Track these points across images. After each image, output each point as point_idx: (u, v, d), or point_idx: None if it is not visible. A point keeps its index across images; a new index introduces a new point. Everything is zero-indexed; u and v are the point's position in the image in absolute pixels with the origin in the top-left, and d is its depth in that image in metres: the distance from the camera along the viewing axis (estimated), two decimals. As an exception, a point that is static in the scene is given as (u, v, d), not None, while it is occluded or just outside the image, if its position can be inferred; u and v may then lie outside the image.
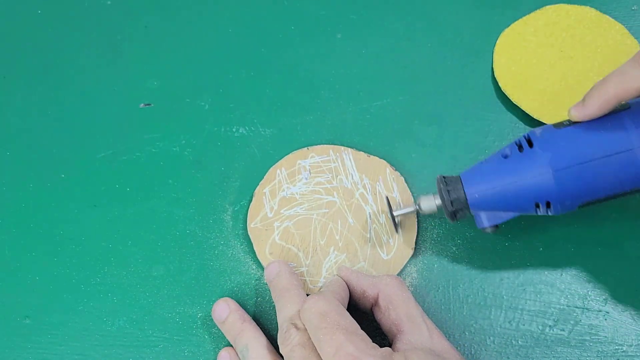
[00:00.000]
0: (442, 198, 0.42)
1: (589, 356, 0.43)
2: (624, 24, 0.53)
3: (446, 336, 0.43)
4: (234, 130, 0.51)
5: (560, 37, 0.53)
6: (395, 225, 0.44)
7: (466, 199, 0.41)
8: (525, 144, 0.40)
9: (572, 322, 0.44)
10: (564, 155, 0.39)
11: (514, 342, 0.43)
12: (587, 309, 0.44)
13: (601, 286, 0.44)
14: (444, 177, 0.42)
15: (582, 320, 0.44)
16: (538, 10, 0.54)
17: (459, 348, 0.43)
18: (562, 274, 0.45)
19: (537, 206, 0.40)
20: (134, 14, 0.56)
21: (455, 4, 0.55)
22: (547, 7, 0.54)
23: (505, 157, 0.41)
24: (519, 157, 0.40)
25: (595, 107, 0.39)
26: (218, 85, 0.52)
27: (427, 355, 0.36)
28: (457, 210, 0.42)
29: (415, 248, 0.46)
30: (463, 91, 0.52)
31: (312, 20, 0.55)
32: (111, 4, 0.56)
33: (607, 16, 0.53)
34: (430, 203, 0.43)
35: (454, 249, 0.46)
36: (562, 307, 0.44)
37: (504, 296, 0.45)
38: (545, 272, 0.45)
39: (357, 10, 0.55)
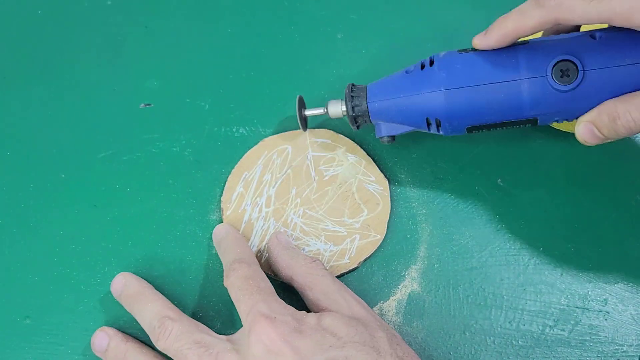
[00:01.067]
0: (346, 103, 0.44)
1: (589, 356, 0.43)
2: (624, 24, 0.53)
3: (446, 336, 0.43)
4: (234, 130, 0.51)
5: (560, 37, 0.53)
6: (304, 124, 0.47)
7: (367, 106, 0.44)
8: (427, 63, 0.43)
9: (572, 322, 0.44)
10: (458, 76, 0.41)
11: (514, 342, 0.43)
12: (587, 309, 0.44)
13: (601, 286, 0.44)
14: (353, 84, 0.45)
15: (582, 321, 0.44)
16: (538, 10, 0.54)
17: (458, 348, 0.43)
18: (562, 274, 0.45)
19: (429, 123, 0.43)
20: (134, 14, 0.56)
21: (455, 4, 0.55)
22: None
23: (408, 72, 0.43)
24: (419, 74, 0.43)
25: (494, 39, 0.41)
26: (218, 85, 0.52)
27: (342, 317, 0.38)
28: (357, 115, 0.44)
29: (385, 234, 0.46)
30: (463, 91, 0.52)
31: (312, 20, 0.55)
32: (111, 4, 0.56)
33: (607, 16, 0.53)
34: (337, 108, 0.45)
35: (455, 249, 0.46)
36: (562, 307, 0.44)
37: (504, 296, 0.45)
38: (545, 272, 0.45)
39: (357, 10, 0.55)
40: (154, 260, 0.46)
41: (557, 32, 0.44)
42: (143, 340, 0.43)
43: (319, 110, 0.46)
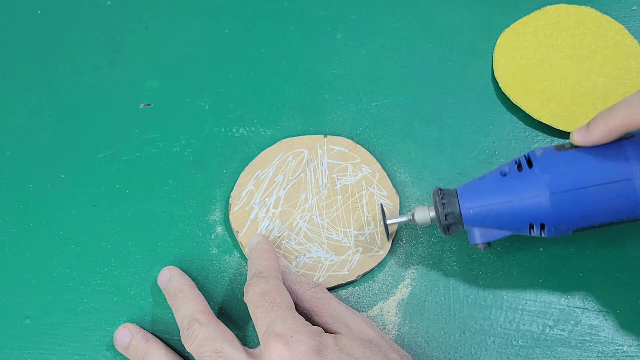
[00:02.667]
0: (436, 210, 0.41)
1: (589, 356, 0.43)
2: (624, 24, 0.53)
3: (446, 336, 0.43)
4: (234, 130, 0.51)
5: (560, 37, 0.53)
6: (387, 234, 0.44)
7: (460, 213, 0.40)
8: (524, 164, 0.40)
9: (572, 322, 0.44)
10: (563, 178, 0.39)
11: (514, 342, 0.43)
12: (587, 309, 0.44)
13: (601, 286, 0.44)
14: (440, 189, 0.42)
15: (582, 321, 0.44)
16: (538, 10, 0.54)
17: (459, 348, 0.43)
18: (562, 274, 0.45)
19: (531, 227, 0.40)
20: (134, 14, 0.56)
21: (455, 4, 0.55)
22: (547, 7, 0.54)
23: (504, 175, 0.40)
24: (517, 177, 0.40)
25: (599, 135, 0.38)
26: (218, 85, 0.52)
27: (357, 339, 0.37)
28: (450, 224, 0.41)
29: (390, 247, 0.46)
30: (463, 91, 0.52)
31: (312, 20, 0.55)
32: (111, 4, 0.56)
33: (607, 16, 0.53)
34: (425, 214, 0.42)
35: (455, 249, 0.46)
36: (562, 307, 0.44)
37: (504, 296, 0.45)
38: (545, 273, 0.45)
39: (357, 10, 0.55)
40: (154, 260, 0.46)
41: None
42: (164, 338, 0.43)
43: (404, 219, 0.43)
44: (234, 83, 0.52)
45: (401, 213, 0.47)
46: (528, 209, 0.39)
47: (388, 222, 0.43)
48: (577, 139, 0.39)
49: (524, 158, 0.40)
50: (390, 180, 0.48)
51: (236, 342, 0.39)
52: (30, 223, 0.48)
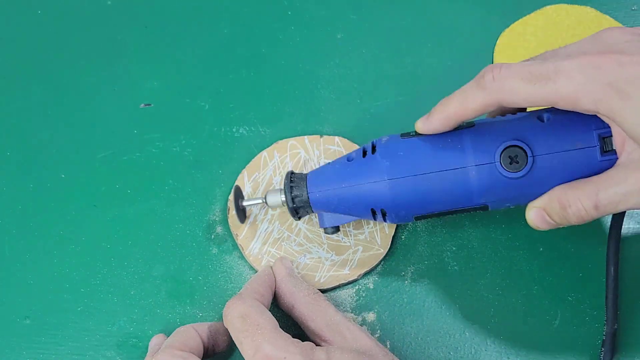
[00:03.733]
0: (285, 194, 0.42)
1: (589, 356, 0.43)
2: (624, 24, 0.53)
3: (446, 336, 0.43)
4: (234, 130, 0.51)
5: (560, 37, 0.53)
6: (242, 215, 0.45)
7: (308, 197, 0.41)
8: (369, 150, 0.41)
9: (572, 322, 0.44)
10: (401, 165, 0.39)
11: (514, 342, 0.43)
12: (587, 308, 0.44)
13: (601, 286, 0.44)
14: (292, 172, 0.43)
15: (582, 321, 0.44)
16: (538, 10, 0.54)
17: (458, 348, 0.43)
18: (562, 274, 0.45)
19: (374, 213, 0.41)
20: (134, 14, 0.56)
21: (455, 4, 0.55)
22: (547, 7, 0.54)
23: (350, 160, 0.41)
24: (361, 162, 0.40)
25: (437, 123, 0.39)
26: (218, 85, 0.52)
27: (350, 352, 0.37)
28: (298, 207, 0.42)
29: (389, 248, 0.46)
30: (463, 91, 0.52)
31: (312, 20, 0.55)
32: (111, 4, 0.56)
33: (607, 16, 0.53)
34: (276, 198, 0.43)
35: (454, 249, 0.46)
36: (562, 307, 0.44)
37: (504, 296, 0.44)
38: (545, 272, 0.45)
39: (357, 10, 0.55)
40: (154, 260, 0.46)
41: (503, 113, 0.42)
42: None
43: (257, 201, 0.44)
44: (234, 83, 0.52)
45: None
46: (369, 193, 0.40)
47: (244, 203, 0.44)
48: (419, 126, 0.40)
49: (370, 145, 0.41)
50: None
51: None
52: (30, 223, 0.48)
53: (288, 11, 0.55)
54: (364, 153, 0.41)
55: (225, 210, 0.47)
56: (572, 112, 0.37)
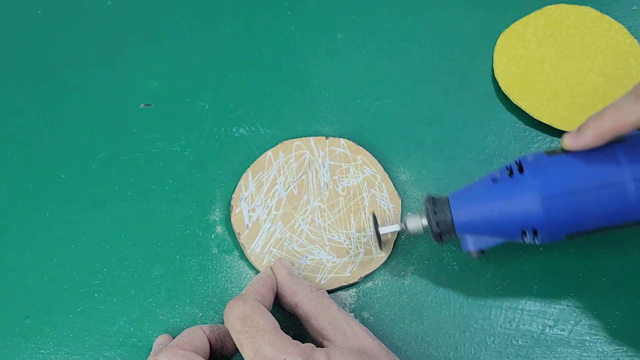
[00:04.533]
0: (428, 219, 0.41)
1: (589, 356, 0.43)
2: (624, 24, 0.53)
3: (446, 336, 0.43)
4: (234, 130, 0.51)
5: (560, 37, 0.53)
6: (380, 242, 0.44)
7: (452, 221, 0.40)
8: (515, 169, 0.40)
9: (572, 322, 0.44)
10: (554, 183, 0.38)
11: (514, 342, 0.43)
12: (587, 309, 0.44)
13: (601, 286, 0.44)
14: (432, 197, 0.41)
15: (582, 321, 0.44)
16: (538, 10, 0.54)
17: (458, 348, 0.43)
18: (562, 274, 0.45)
19: (524, 233, 0.40)
20: (134, 14, 0.56)
21: (455, 4, 0.55)
22: (547, 7, 0.54)
23: (495, 180, 0.40)
24: (508, 182, 0.39)
25: (589, 139, 0.38)
26: (218, 85, 0.52)
27: (351, 353, 0.37)
28: (442, 232, 0.41)
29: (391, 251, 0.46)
30: (463, 91, 0.52)
31: (312, 20, 0.55)
32: (111, 4, 0.56)
33: (607, 16, 0.53)
34: (417, 223, 0.42)
35: (454, 248, 0.46)
36: (562, 307, 0.44)
37: (504, 296, 0.44)
38: (546, 272, 0.45)
39: (357, 10, 0.55)
40: (154, 260, 0.46)
41: None
42: None
43: (396, 227, 0.43)
44: (234, 83, 0.52)
45: (402, 214, 0.47)
46: (520, 214, 0.39)
47: (381, 230, 0.43)
48: (568, 143, 0.39)
49: (515, 164, 0.40)
50: (391, 181, 0.48)
51: None
52: (30, 223, 0.48)
53: (288, 11, 0.55)
54: (510, 172, 0.40)
55: (225, 210, 0.47)
56: None
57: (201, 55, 0.54)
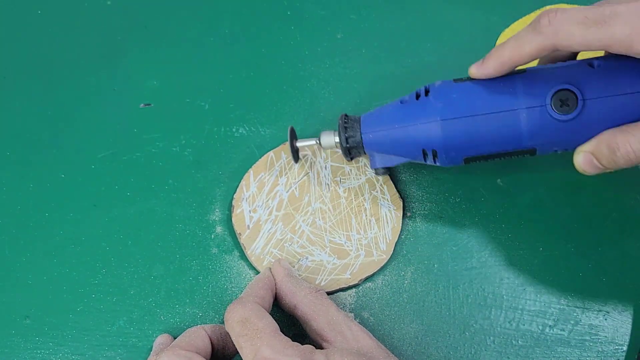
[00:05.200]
0: (339, 134, 0.43)
1: (589, 356, 0.43)
2: (624, 24, 0.53)
3: (446, 336, 0.43)
4: (234, 130, 0.51)
5: (560, 37, 0.52)
6: (296, 155, 0.46)
7: (361, 137, 0.42)
8: (422, 93, 0.42)
9: (572, 322, 0.44)
10: (454, 106, 0.40)
11: (514, 342, 0.43)
12: (587, 308, 0.44)
13: (601, 286, 0.44)
14: (345, 115, 0.44)
15: (582, 321, 0.44)
16: (538, 11, 0.54)
17: (458, 348, 0.43)
18: (562, 274, 0.45)
19: (425, 154, 0.42)
20: (134, 14, 0.56)
21: (455, 4, 0.55)
22: (547, 7, 0.54)
23: (403, 102, 0.42)
24: (414, 104, 0.42)
25: (491, 67, 0.40)
26: (218, 85, 0.52)
27: (350, 354, 0.37)
28: (351, 147, 0.43)
29: (392, 253, 0.46)
30: (463, 91, 0.52)
31: (312, 20, 0.55)
32: (111, 4, 0.56)
33: (607, 16, 0.53)
34: (330, 139, 0.44)
35: (454, 249, 0.46)
36: (562, 307, 0.44)
37: (504, 296, 0.45)
38: (545, 272, 0.45)
39: (357, 10, 0.55)
40: (154, 260, 0.46)
41: (554, 60, 0.43)
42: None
43: (311, 142, 0.45)
44: (234, 83, 0.52)
45: (404, 216, 0.47)
46: (421, 134, 0.41)
47: (297, 144, 0.45)
48: (473, 71, 0.40)
49: (423, 88, 0.42)
50: (404, 200, 0.47)
51: None
52: (30, 223, 0.48)
53: (288, 11, 0.55)
54: (417, 96, 0.42)
55: (225, 210, 0.47)
56: (624, 58, 0.37)
57: (201, 55, 0.54)
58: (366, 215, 0.46)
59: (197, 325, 0.41)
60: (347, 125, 0.43)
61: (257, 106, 0.51)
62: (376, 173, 0.44)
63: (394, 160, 0.43)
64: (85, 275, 0.46)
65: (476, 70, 0.40)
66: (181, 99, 0.52)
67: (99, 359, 0.43)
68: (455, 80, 0.42)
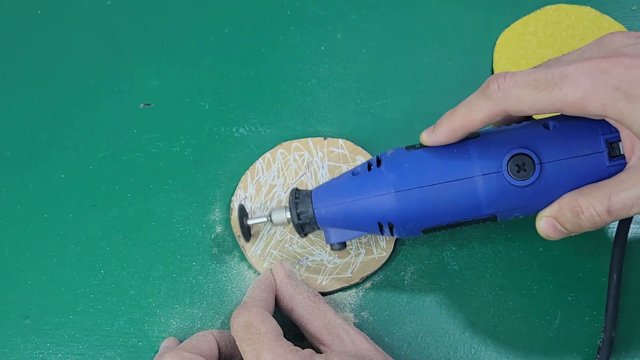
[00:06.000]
0: (290, 210, 0.41)
1: (589, 356, 0.43)
2: (624, 24, 0.53)
3: (446, 336, 0.43)
4: (234, 130, 0.51)
5: (560, 37, 0.53)
6: (247, 234, 0.44)
7: (314, 213, 0.41)
8: (374, 163, 0.40)
9: (572, 322, 0.44)
10: (407, 177, 0.39)
11: (514, 342, 0.43)
12: (587, 308, 0.44)
13: (601, 286, 0.44)
14: (296, 189, 0.42)
15: (582, 321, 0.44)
16: (538, 10, 0.54)
17: (458, 348, 0.43)
18: (562, 274, 0.45)
19: (381, 227, 0.40)
20: (134, 14, 0.56)
21: (455, 4, 0.55)
22: (547, 7, 0.54)
23: (355, 174, 0.41)
24: (367, 176, 0.40)
25: (443, 135, 0.38)
26: (218, 85, 0.52)
27: (349, 357, 0.37)
28: (304, 223, 0.41)
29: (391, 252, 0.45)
30: (463, 91, 0.51)
31: (312, 20, 0.55)
32: (111, 4, 0.56)
33: (607, 16, 0.53)
34: (281, 215, 0.42)
35: (454, 249, 0.46)
36: (562, 307, 0.44)
37: (504, 296, 0.44)
38: (545, 272, 0.45)
39: (357, 10, 0.55)
40: (154, 260, 0.46)
41: (508, 123, 0.41)
42: (163, 337, 0.43)
43: (262, 219, 0.43)
44: (234, 83, 0.52)
45: None
46: (375, 207, 0.39)
47: (248, 222, 0.44)
48: (424, 138, 0.39)
49: (375, 158, 0.41)
50: None
51: None
52: (30, 223, 0.48)
53: (288, 11, 0.55)
54: (369, 167, 0.41)
55: (225, 211, 0.47)
56: (579, 118, 0.37)
57: (201, 55, 0.54)
58: None
59: (205, 329, 0.41)
60: (297, 201, 0.41)
61: (257, 106, 0.51)
62: (332, 248, 0.43)
63: (349, 235, 0.42)
64: (85, 275, 0.46)
65: (427, 138, 0.39)
66: (181, 99, 0.52)
67: (99, 359, 0.43)
68: (407, 148, 0.40)
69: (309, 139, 0.49)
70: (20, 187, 0.49)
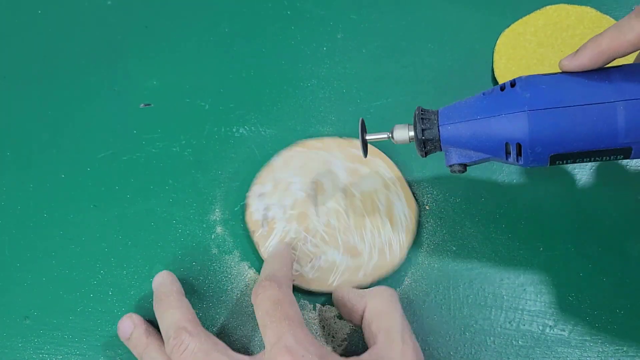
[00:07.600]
0: (415, 126, 0.40)
1: (589, 356, 0.43)
2: (624, 24, 0.53)
3: (446, 336, 0.43)
4: (234, 130, 0.51)
5: (560, 37, 0.53)
6: (365, 149, 0.42)
7: (439, 131, 0.39)
8: (507, 85, 0.39)
9: (572, 322, 0.44)
10: (543, 97, 0.37)
11: (514, 342, 0.43)
12: (587, 309, 0.44)
13: (601, 286, 0.44)
14: (422, 108, 0.40)
15: (583, 321, 0.44)
16: (538, 10, 0.54)
17: (458, 348, 0.43)
18: (562, 274, 0.45)
19: (507, 149, 0.38)
20: (134, 14, 0.56)
21: (455, 5, 0.55)
22: (547, 7, 0.54)
23: (485, 94, 0.39)
24: (499, 95, 0.38)
25: (586, 58, 0.37)
26: (218, 85, 0.52)
27: None
28: (427, 140, 0.39)
29: (407, 253, 0.46)
30: (463, 91, 0.51)
31: (312, 20, 0.55)
32: (111, 4, 0.56)
33: (607, 16, 0.53)
34: (404, 132, 0.40)
35: (454, 248, 0.46)
36: (562, 307, 0.44)
37: (504, 296, 0.44)
38: (545, 272, 0.45)
39: (357, 10, 0.55)
40: (154, 260, 0.46)
41: None
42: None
43: (383, 135, 0.41)
44: (234, 83, 0.52)
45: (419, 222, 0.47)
46: (505, 126, 0.37)
47: (367, 137, 0.41)
48: (564, 63, 0.38)
49: (508, 82, 0.39)
50: (419, 205, 0.47)
51: (229, 351, 0.39)
52: (30, 223, 0.48)
53: (288, 11, 0.55)
54: (502, 88, 0.38)
55: (225, 211, 0.47)
56: None
57: (201, 55, 0.54)
58: (380, 216, 0.46)
59: (205, 329, 0.41)
60: (423, 117, 0.40)
61: (257, 106, 0.51)
62: (451, 171, 0.40)
63: (472, 157, 0.39)
64: (85, 275, 0.46)
65: (568, 62, 0.37)
66: (181, 99, 0.52)
67: (99, 359, 0.43)
68: (544, 74, 0.38)
69: (329, 138, 0.49)
70: (20, 187, 0.49)
